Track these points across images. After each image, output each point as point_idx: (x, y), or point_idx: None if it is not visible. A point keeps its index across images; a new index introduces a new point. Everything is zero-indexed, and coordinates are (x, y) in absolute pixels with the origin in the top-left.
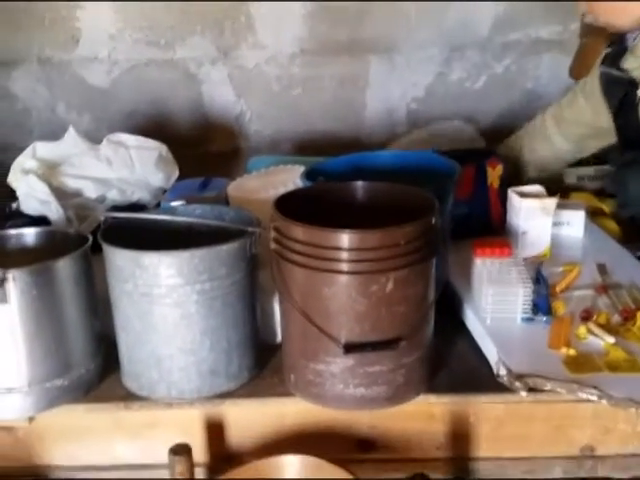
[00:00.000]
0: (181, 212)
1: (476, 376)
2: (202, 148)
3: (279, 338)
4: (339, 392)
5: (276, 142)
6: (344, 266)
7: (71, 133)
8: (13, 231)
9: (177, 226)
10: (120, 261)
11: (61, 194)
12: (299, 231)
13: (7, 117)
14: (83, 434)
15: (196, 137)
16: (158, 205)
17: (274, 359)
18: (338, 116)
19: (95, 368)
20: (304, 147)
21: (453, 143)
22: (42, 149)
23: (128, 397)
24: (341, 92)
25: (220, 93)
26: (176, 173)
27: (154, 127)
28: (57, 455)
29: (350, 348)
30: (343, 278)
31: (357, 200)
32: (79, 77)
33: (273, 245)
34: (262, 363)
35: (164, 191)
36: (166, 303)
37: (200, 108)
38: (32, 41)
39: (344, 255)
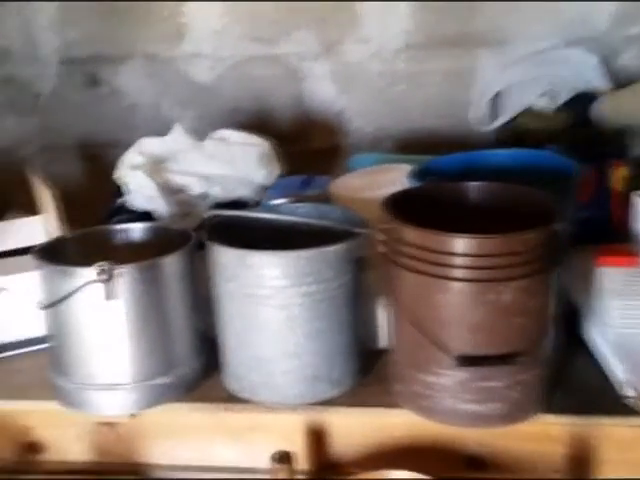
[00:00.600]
0: (285, 211)
1: (598, 396)
2: (302, 145)
3: (384, 343)
4: (449, 407)
5: (377, 139)
6: (460, 273)
7: (177, 129)
8: (120, 226)
9: (279, 224)
10: (224, 260)
11: (166, 190)
12: (412, 234)
13: (113, 113)
14: (183, 433)
15: (296, 133)
16: (259, 202)
17: (379, 366)
18: (443, 113)
19: (198, 367)
20: (406, 145)
21: (570, 74)
22: (149, 145)
23: (229, 399)
24: (447, 88)
25: (322, 89)
26: (278, 170)
27: (256, 123)
28: (157, 453)
29: (464, 361)
30: (458, 285)
31: (470, 201)
32: (183, 73)
33: (382, 248)
34: (366, 369)
35: (266, 188)
36: (270, 304)
37: (301, 104)
38: (138, 37)
39: (461, 261)
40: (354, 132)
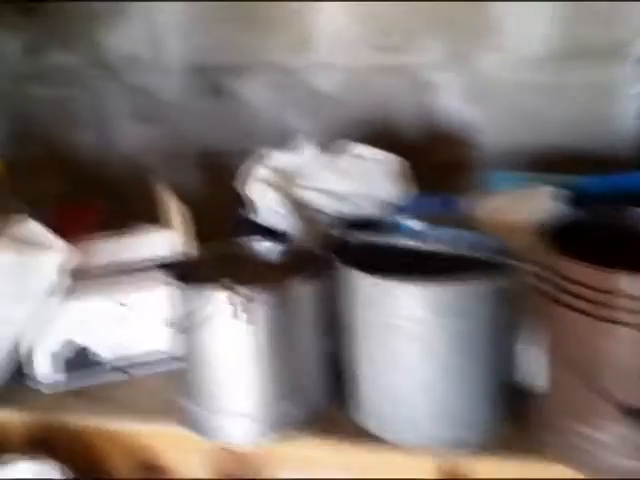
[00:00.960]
0: (425, 235)
1: None
2: (426, 159)
3: (529, 383)
4: (612, 463)
5: (509, 156)
6: (631, 317)
7: (305, 142)
8: (249, 243)
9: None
10: (362, 287)
11: (294, 206)
12: (577, 270)
13: (235, 122)
14: (308, 466)
15: (421, 147)
16: (391, 222)
17: (524, 408)
18: (585, 129)
19: (326, 397)
20: (542, 163)
21: None
22: (276, 158)
23: (358, 434)
24: (591, 102)
25: (451, 100)
26: (411, 189)
27: (379, 135)
28: None
29: (632, 414)
30: (628, 331)
31: (634, 231)
32: (307, 83)
33: (538, 282)
34: (509, 412)
35: (398, 207)
36: (410, 337)
37: (427, 116)
38: (263, 46)
39: (633, 304)
40: (483, 147)
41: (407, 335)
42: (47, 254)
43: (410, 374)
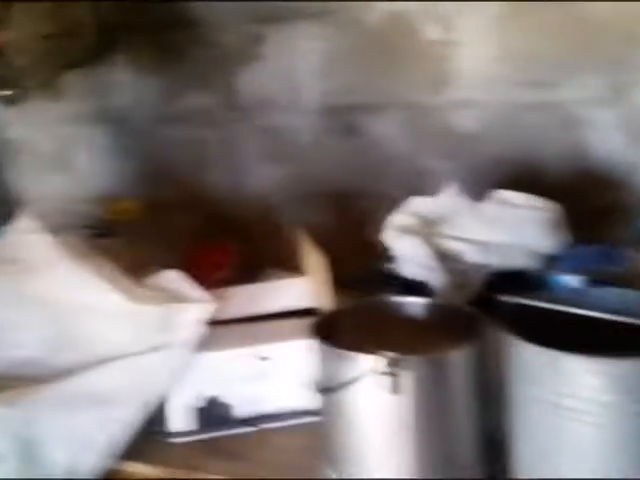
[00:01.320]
0: (587, 294)
1: None
2: (579, 204)
3: None
4: None
5: None
6: None
7: (450, 188)
8: (392, 298)
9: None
10: (523, 357)
11: (439, 257)
12: None
13: (370, 163)
14: None
15: (572, 191)
16: (547, 277)
17: None
18: None
19: (480, 474)
20: None
21: None
22: (417, 204)
23: None
24: None
25: (608, 139)
26: (567, 239)
27: (523, 177)
28: None
29: None
30: None
31: None
32: (445, 122)
33: None
34: None
35: (552, 259)
36: (585, 421)
37: (581, 157)
38: (399, 83)
39: None
40: None
41: (582, 419)
42: (189, 306)
43: (578, 458)
